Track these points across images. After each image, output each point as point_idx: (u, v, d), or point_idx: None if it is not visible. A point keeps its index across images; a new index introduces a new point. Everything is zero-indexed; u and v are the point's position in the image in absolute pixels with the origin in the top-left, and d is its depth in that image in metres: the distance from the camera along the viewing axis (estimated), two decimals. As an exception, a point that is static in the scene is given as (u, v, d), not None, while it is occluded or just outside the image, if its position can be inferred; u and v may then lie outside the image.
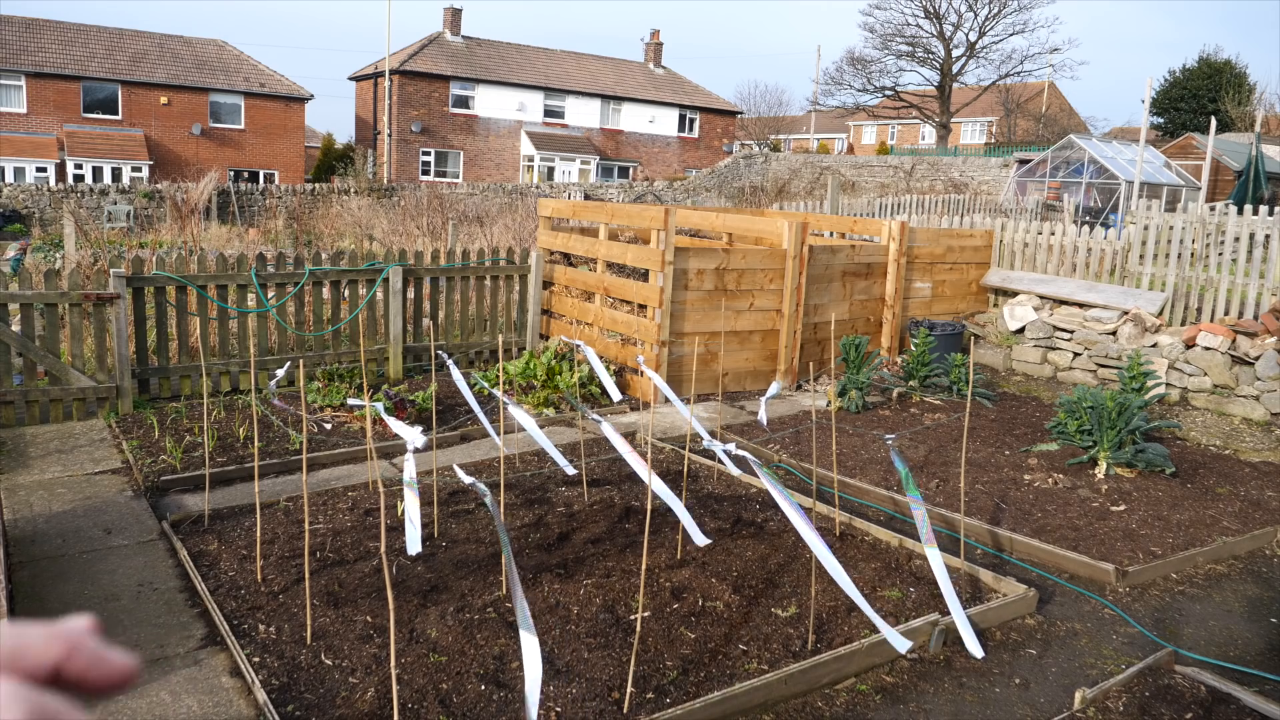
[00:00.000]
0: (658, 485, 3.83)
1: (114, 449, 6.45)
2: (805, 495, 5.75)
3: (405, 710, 3.41)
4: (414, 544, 3.33)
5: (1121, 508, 5.88)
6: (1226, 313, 9.11)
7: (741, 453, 4.14)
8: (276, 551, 4.71)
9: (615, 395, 5.99)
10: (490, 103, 43.66)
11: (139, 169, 35.92)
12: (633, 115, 47.65)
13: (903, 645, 3.72)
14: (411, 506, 3.46)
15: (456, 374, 5.42)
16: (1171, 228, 9.58)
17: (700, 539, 3.96)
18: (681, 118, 49.23)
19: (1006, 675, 3.97)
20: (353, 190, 29.13)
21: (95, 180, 34.66)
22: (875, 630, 4.09)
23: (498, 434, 5.53)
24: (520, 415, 4.78)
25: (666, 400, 8.18)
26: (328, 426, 6.91)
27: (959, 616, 4.03)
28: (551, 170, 43.97)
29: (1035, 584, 4.79)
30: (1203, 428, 7.98)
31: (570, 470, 5.35)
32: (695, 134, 49.74)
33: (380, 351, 8.54)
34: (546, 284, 9.62)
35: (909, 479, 4.29)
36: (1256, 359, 8.20)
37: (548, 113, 45.37)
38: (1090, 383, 9.23)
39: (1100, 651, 4.22)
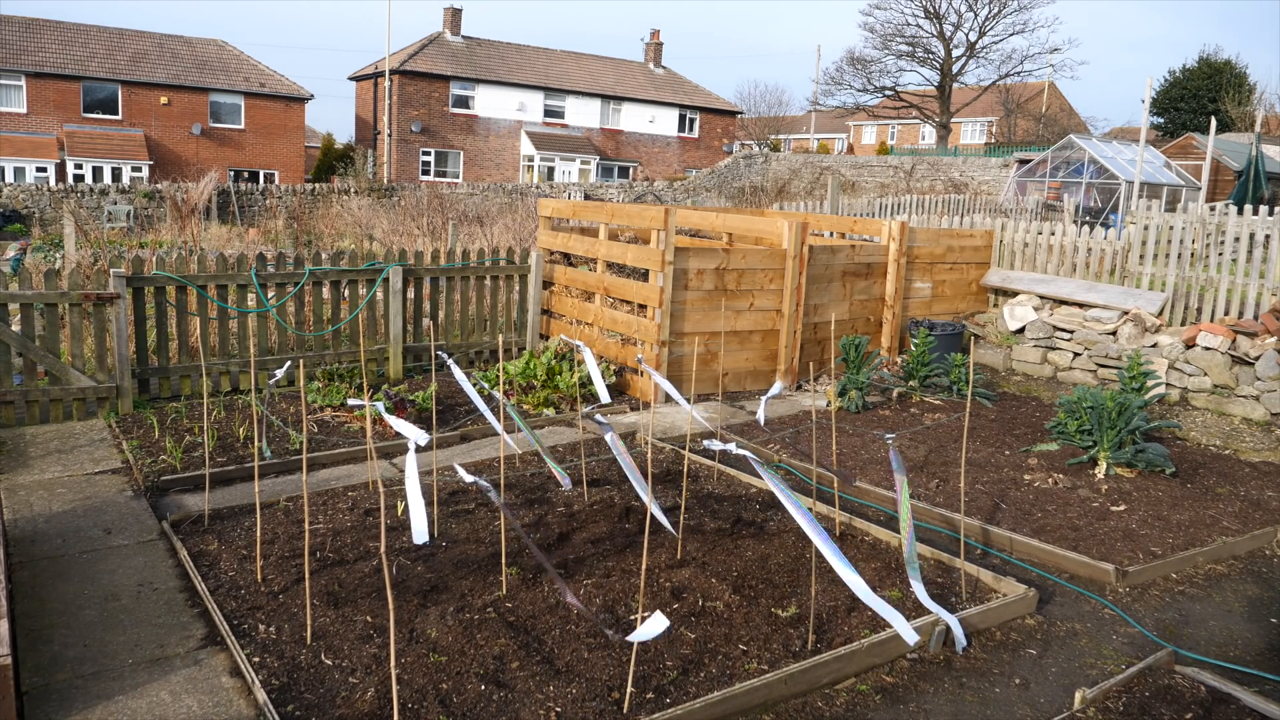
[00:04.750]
0: (654, 507, 3.82)
1: (114, 449, 6.45)
2: (805, 495, 5.75)
3: (405, 710, 3.42)
4: (420, 533, 3.34)
5: (1121, 508, 5.88)
6: (1226, 313, 9.11)
7: (742, 452, 4.14)
8: (276, 551, 4.72)
9: (604, 398, 5.96)
10: (490, 103, 43.68)
11: (139, 169, 35.93)
12: (633, 115, 47.67)
13: (911, 638, 3.73)
14: (415, 499, 3.46)
15: (458, 373, 5.42)
16: (1171, 228, 9.58)
17: (673, 530, 3.92)
18: (681, 118, 49.25)
19: (1006, 675, 3.97)
20: (353, 190, 29.14)
21: (95, 180, 34.68)
22: (876, 630, 4.09)
23: (500, 434, 5.53)
24: (522, 431, 4.78)
25: (666, 400, 8.18)
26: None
27: (920, 592, 4.04)
28: (551, 170, 43.98)
29: (1035, 584, 4.79)
30: (1203, 428, 7.98)
31: (567, 484, 5.36)
32: (695, 134, 49.76)
33: (380, 351, 8.54)
34: (546, 284, 9.63)
35: (899, 464, 4.29)
36: (1256, 359, 8.20)
37: (548, 113, 45.38)
38: (1090, 383, 9.23)
39: (1100, 651, 4.22)
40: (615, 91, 47.04)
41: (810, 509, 5.38)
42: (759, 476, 6.18)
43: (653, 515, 3.77)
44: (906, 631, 3.70)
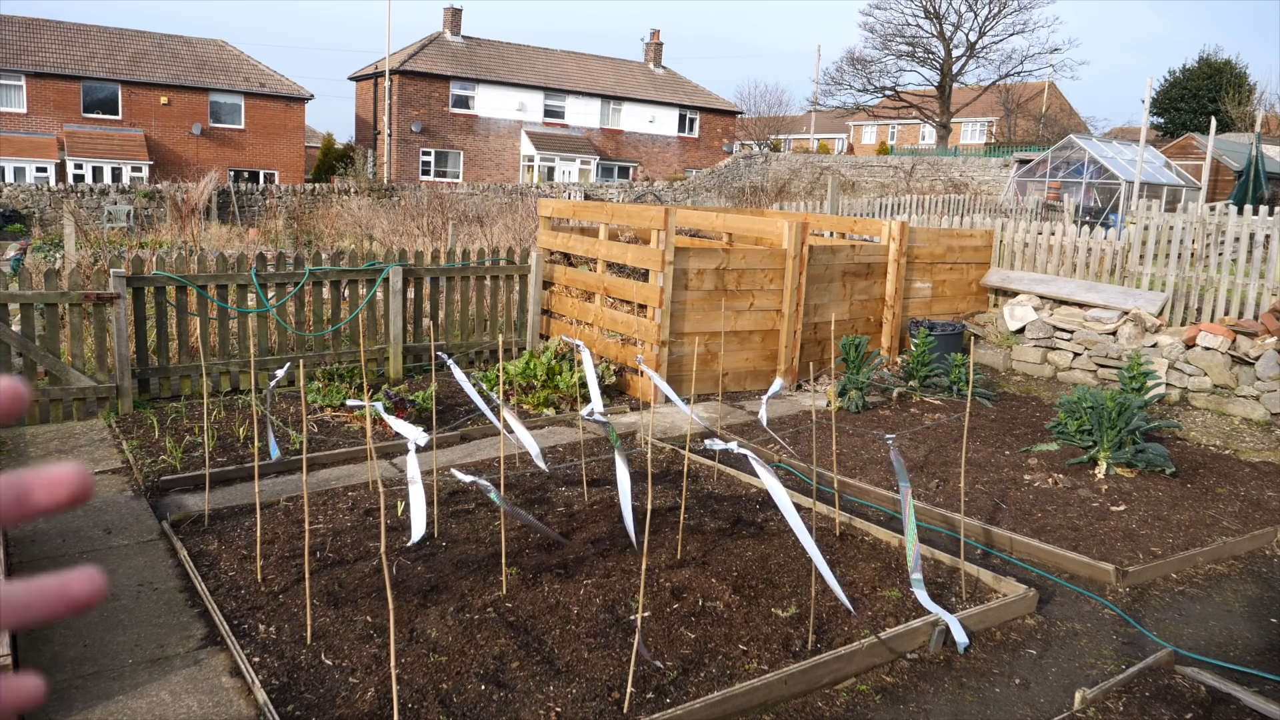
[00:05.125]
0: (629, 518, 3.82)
1: (114, 449, 6.45)
2: (805, 495, 5.74)
3: (405, 710, 3.41)
4: (418, 529, 3.33)
5: (1121, 508, 5.88)
6: (1226, 313, 9.11)
7: (743, 451, 4.15)
8: (276, 551, 4.71)
9: (598, 407, 5.50)
10: (490, 103, 43.67)
11: (139, 169, 35.92)
12: (633, 115, 47.65)
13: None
14: (416, 498, 3.46)
15: (458, 372, 5.42)
16: (1171, 228, 9.58)
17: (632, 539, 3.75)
18: (681, 118, 49.23)
19: (1006, 675, 3.97)
20: (353, 190, 29.13)
21: (95, 180, 34.66)
22: (876, 630, 4.09)
23: (500, 433, 5.51)
24: (517, 427, 4.77)
25: (667, 400, 8.18)
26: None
27: (923, 598, 4.04)
28: (551, 170, 43.98)
29: (1035, 584, 4.79)
30: (1203, 428, 7.98)
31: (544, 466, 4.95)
32: (695, 134, 49.74)
33: (380, 351, 8.53)
34: (546, 284, 9.62)
35: (902, 470, 4.29)
36: (1256, 359, 8.20)
37: (548, 113, 45.37)
38: (1090, 383, 9.23)
39: (1100, 651, 4.22)
40: (615, 91, 47.03)
41: (811, 509, 5.38)
42: (759, 476, 6.18)
43: (648, 514, 3.77)
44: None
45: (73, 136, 35.54)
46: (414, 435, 3.80)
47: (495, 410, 6.14)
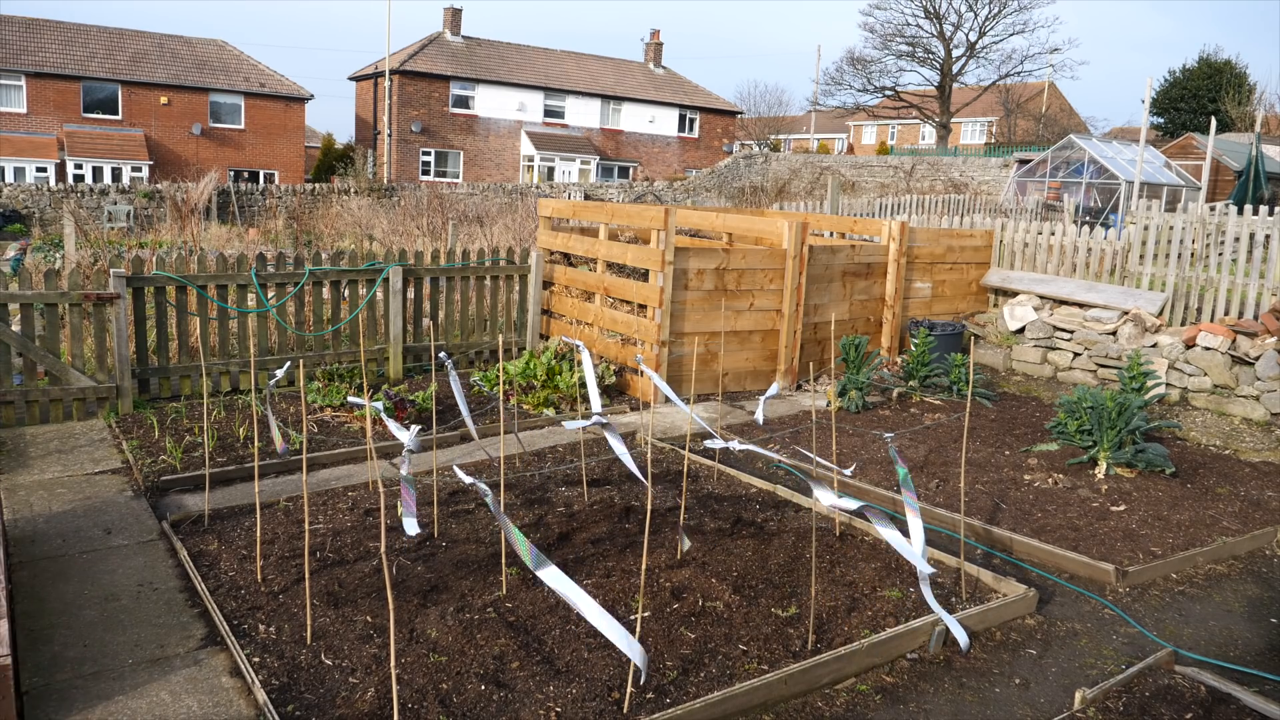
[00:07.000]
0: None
1: (114, 449, 6.45)
2: (805, 495, 5.75)
3: (405, 710, 3.42)
4: (411, 525, 3.35)
5: (1121, 508, 5.88)
6: (1226, 313, 9.11)
7: (744, 447, 4.15)
8: (276, 551, 4.72)
9: (596, 408, 5.46)
10: (490, 103, 43.68)
11: (139, 169, 35.93)
12: (633, 115, 47.66)
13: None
14: (407, 494, 3.49)
15: (455, 381, 5.40)
16: (1171, 228, 9.58)
17: (685, 544, 3.98)
18: (681, 118, 49.24)
19: (1006, 675, 3.97)
20: (353, 190, 29.14)
21: (95, 180, 34.67)
22: (876, 630, 4.09)
23: (500, 434, 5.50)
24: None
25: (666, 400, 8.18)
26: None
27: (924, 585, 4.03)
28: (551, 170, 43.98)
29: (1035, 584, 4.79)
30: (1203, 428, 7.98)
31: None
32: (695, 134, 49.75)
33: (380, 351, 8.53)
34: (546, 284, 9.62)
35: (907, 479, 4.29)
36: (1256, 359, 8.20)
37: (548, 113, 45.38)
38: (1090, 383, 9.23)
39: (1100, 651, 4.22)
40: (615, 91, 47.04)
41: (810, 508, 5.39)
42: (759, 477, 6.19)
43: (648, 514, 3.77)
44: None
45: (73, 136, 35.55)
46: (403, 437, 3.83)
47: (495, 411, 6.14)
